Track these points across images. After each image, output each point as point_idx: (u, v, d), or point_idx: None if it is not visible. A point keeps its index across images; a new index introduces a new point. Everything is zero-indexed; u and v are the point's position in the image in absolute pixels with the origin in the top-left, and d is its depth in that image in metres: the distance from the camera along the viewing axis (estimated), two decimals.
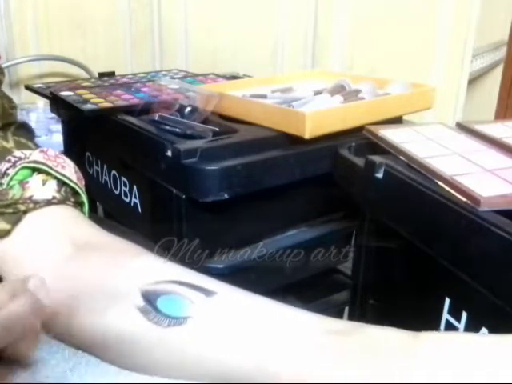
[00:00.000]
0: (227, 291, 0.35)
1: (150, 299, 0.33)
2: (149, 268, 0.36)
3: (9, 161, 0.43)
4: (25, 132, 0.50)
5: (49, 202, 0.41)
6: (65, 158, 0.45)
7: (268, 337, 0.32)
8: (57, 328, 0.36)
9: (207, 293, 0.34)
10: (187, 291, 0.33)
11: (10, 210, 0.39)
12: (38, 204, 0.40)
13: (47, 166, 0.42)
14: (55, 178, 0.42)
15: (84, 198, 0.44)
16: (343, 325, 0.33)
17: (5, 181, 0.42)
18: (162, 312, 0.33)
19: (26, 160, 0.43)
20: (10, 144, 0.46)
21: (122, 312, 0.34)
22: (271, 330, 0.32)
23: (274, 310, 0.34)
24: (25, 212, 0.40)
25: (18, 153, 0.44)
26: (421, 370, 0.28)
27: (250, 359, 0.31)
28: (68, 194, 0.43)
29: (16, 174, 0.42)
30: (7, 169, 0.43)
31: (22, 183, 0.41)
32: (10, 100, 0.50)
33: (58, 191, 0.42)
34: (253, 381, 0.31)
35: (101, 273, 0.36)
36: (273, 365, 0.31)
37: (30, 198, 0.40)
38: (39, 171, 0.42)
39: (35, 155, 0.43)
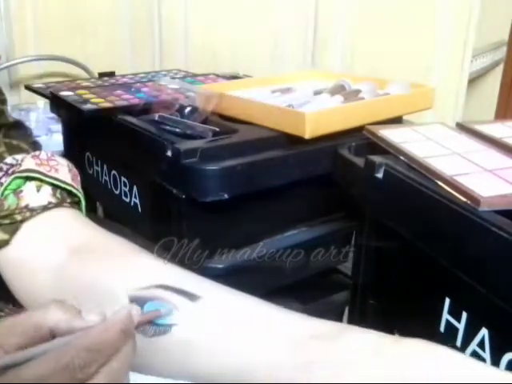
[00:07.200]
0: (213, 295, 0.35)
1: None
2: (139, 271, 0.36)
3: (1, 169, 0.43)
4: (17, 132, 0.48)
5: (45, 208, 0.41)
6: (58, 158, 0.45)
7: (250, 343, 0.32)
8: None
9: (192, 297, 0.34)
10: (173, 297, 0.34)
11: (7, 221, 0.39)
12: (34, 211, 0.40)
13: (40, 172, 0.42)
14: (49, 183, 0.42)
15: (80, 196, 0.44)
16: (328, 327, 0.33)
17: None
18: None
19: (19, 169, 0.42)
20: (2, 148, 0.45)
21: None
22: (254, 336, 0.32)
23: (260, 314, 0.34)
24: (22, 221, 0.40)
25: (9, 159, 0.43)
26: (392, 373, 0.27)
27: (230, 365, 0.32)
28: (64, 196, 0.42)
29: (9, 184, 0.42)
30: (0, 178, 0.42)
31: (16, 192, 0.41)
32: None
33: (54, 195, 0.42)
34: None
35: (93, 276, 0.36)
36: (254, 371, 0.31)
37: (25, 206, 0.40)
38: (32, 178, 0.42)
39: (27, 162, 0.43)
